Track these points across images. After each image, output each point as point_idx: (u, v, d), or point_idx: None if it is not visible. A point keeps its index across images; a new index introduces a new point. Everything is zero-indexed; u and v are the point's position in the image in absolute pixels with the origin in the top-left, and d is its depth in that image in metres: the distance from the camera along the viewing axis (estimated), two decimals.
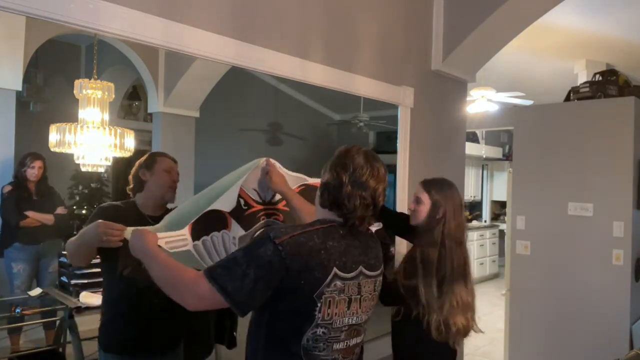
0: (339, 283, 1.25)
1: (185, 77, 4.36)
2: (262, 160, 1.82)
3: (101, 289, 3.00)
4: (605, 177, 3.46)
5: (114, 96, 3.68)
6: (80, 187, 4.91)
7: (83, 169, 3.84)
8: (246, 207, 1.73)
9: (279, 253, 1.18)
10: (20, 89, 4.00)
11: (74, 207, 4.87)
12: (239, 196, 1.72)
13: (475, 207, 9.52)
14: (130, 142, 3.57)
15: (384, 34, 2.47)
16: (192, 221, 1.57)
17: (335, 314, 1.26)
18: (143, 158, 1.93)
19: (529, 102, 5.18)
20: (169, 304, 1.29)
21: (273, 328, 1.27)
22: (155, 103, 4.80)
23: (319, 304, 1.22)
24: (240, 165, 1.82)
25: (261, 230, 1.45)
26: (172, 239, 1.55)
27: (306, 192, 1.91)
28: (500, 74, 5.27)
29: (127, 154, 3.64)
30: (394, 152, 2.62)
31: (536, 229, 3.75)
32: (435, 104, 2.81)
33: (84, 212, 4.87)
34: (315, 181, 1.94)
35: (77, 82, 3.54)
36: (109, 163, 3.78)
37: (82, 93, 3.50)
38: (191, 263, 1.47)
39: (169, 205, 1.87)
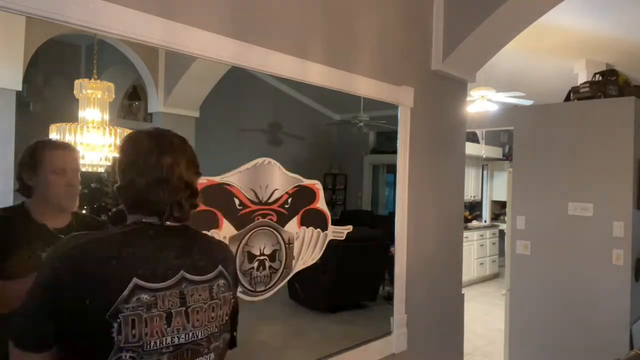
0: (145, 296, 1.01)
1: (185, 77, 4.36)
2: (262, 160, 1.82)
3: None
4: (605, 177, 3.46)
5: (114, 96, 3.68)
6: (80, 187, 4.91)
7: (83, 169, 3.83)
8: (241, 207, 1.73)
9: (55, 272, 0.99)
10: (20, 89, 4.00)
11: None
12: (234, 195, 1.72)
13: (475, 207, 9.52)
14: None
15: (384, 34, 2.47)
16: None
17: (146, 333, 1.00)
18: (26, 150, 1.52)
19: (529, 102, 5.18)
20: None
21: None
22: (155, 103, 4.79)
23: (115, 324, 0.97)
24: (240, 165, 1.82)
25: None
26: None
27: (300, 192, 1.92)
28: (500, 74, 5.27)
29: None
30: (394, 152, 2.62)
31: (536, 229, 3.75)
32: (435, 104, 2.81)
33: (83, 212, 4.86)
34: (310, 182, 1.95)
35: (77, 82, 3.53)
36: (109, 163, 3.79)
37: (82, 93, 3.50)
38: None
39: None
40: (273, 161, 1.85)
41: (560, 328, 3.57)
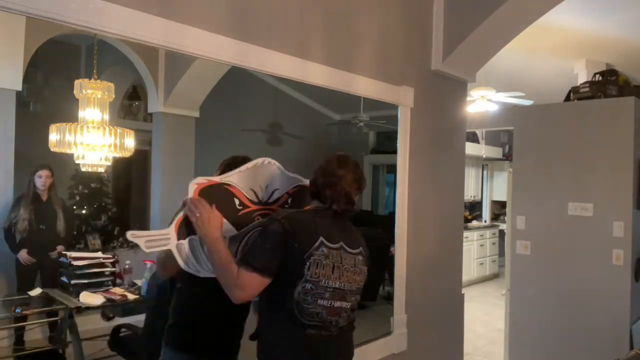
0: (324, 249, 1.55)
1: (185, 77, 4.36)
2: (262, 160, 1.82)
3: (103, 289, 3.02)
4: (605, 177, 3.46)
5: (114, 96, 3.68)
6: (80, 187, 4.90)
7: (83, 169, 3.84)
8: (241, 207, 1.73)
9: (282, 225, 1.52)
10: (20, 89, 4.00)
11: (74, 207, 4.87)
12: (234, 195, 1.72)
13: (475, 207, 9.52)
14: (130, 142, 3.56)
15: (384, 34, 2.47)
16: (179, 219, 1.57)
17: (322, 274, 1.54)
18: (240, 159, 1.82)
19: (529, 102, 5.18)
20: (233, 310, 1.64)
21: (273, 290, 1.52)
22: (155, 103, 4.79)
23: (308, 263, 1.51)
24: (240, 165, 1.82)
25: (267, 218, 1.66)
26: (152, 238, 1.55)
27: (301, 192, 1.91)
28: (500, 74, 5.27)
29: (127, 154, 3.64)
30: (394, 152, 2.62)
31: (536, 229, 3.75)
32: (435, 104, 2.82)
33: (84, 212, 4.86)
34: None
35: (77, 82, 3.53)
36: (109, 163, 3.78)
37: (82, 93, 3.50)
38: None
39: None
40: (273, 161, 1.85)
41: (560, 328, 3.57)
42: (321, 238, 1.56)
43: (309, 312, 1.55)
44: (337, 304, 1.60)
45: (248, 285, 1.49)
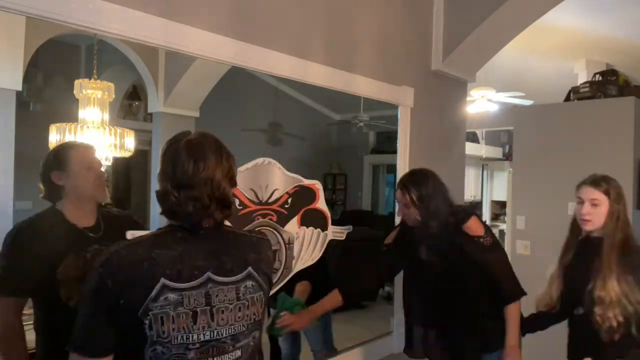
0: (172, 296, 1.09)
1: (185, 77, 4.35)
2: (262, 160, 1.82)
3: None
4: None
5: (114, 96, 3.68)
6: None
7: None
8: (240, 207, 1.73)
9: (99, 277, 1.09)
10: (20, 89, 3.99)
11: None
12: (234, 195, 1.72)
13: (475, 207, 9.52)
14: (130, 142, 3.56)
15: (384, 34, 2.47)
16: None
17: (173, 329, 1.09)
18: (49, 154, 1.60)
19: (529, 102, 5.18)
20: None
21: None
22: (155, 103, 4.79)
23: (146, 322, 1.07)
24: (240, 165, 1.82)
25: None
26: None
27: (300, 192, 1.91)
28: (500, 74, 5.27)
29: (127, 154, 3.64)
30: (394, 152, 2.62)
31: (536, 229, 3.75)
32: (435, 104, 2.81)
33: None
34: (310, 182, 1.95)
35: (77, 82, 3.53)
36: (109, 163, 3.78)
37: (82, 93, 3.50)
38: None
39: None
40: (273, 161, 1.85)
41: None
42: (162, 280, 1.09)
43: None
44: None
45: None
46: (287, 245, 1.90)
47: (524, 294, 2.06)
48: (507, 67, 5.15)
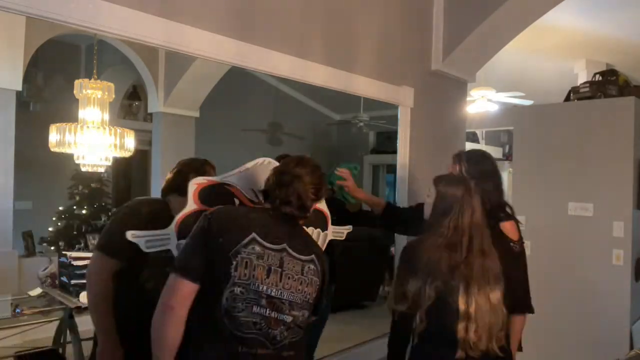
0: (257, 248, 1.35)
1: (185, 77, 4.36)
2: (262, 160, 1.82)
3: None
4: (605, 177, 3.45)
5: (114, 96, 3.68)
6: (80, 187, 4.90)
7: (83, 169, 3.84)
8: None
9: (207, 220, 1.37)
10: (20, 89, 4.00)
11: (74, 207, 4.87)
12: (234, 195, 1.72)
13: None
14: (130, 142, 3.56)
15: (384, 34, 2.47)
16: (179, 219, 1.57)
17: (253, 276, 1.33)
18: (194, 162, 1.82)
19: (529, 102, 5.18)
20: None
21: (199, 299, 1.32)
22: (155, 103, 4.80)
23: (234, 262, 1.31)
24: (240, 164, 1.82)
25: None
26: (152, 237, 1.55)
27: None
28: (500, 74, 5.27)
29: (127, 154, 3.64)
30: (394, 152, 2.62)
31: (536, 229, 3.74)
32: (435, 104, 2.81)
33: (84, 212, 4.86)
34: None
35: (77, 82, 3.53)
36: (109, 163, 3.78)
37: (82, 93, 3.50)
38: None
39: None
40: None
41: (560, 328, 3.56)
42: (253, 234, 1.35)
43: (242, 321, 1.32)
44: (274, 315, 1.36)
45: (176, 293, 1.30)
46: None
47: (532, 311, 2.04)
48: (507, 67, 5.15)
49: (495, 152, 9.27)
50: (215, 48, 1.71)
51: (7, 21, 3.67)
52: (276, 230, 1.41)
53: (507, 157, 9.11)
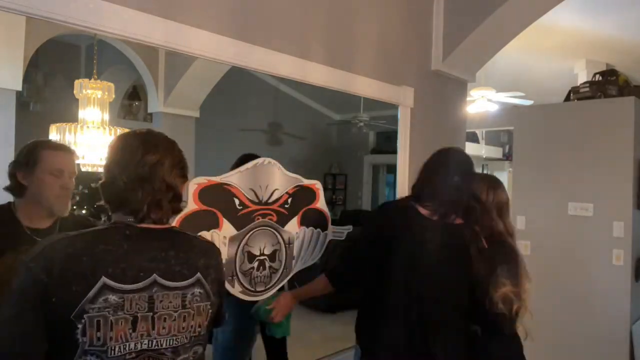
0: (112, 297, 0.98)
1: (185, 77, 4.36)
2: (262, 160, 1.82)
3: None
4: (605, 177, 3.46)
5: (114, 96, 3.69)
6: (80, 187, 4.89)
7: (83, 169, 3.84)
8: (241, 207, 1.73)
9: (29, 272, 0.96)
10: (20, 89, 4.00)
11: (74, 207, 4.87)
12: (234, 195, 1.72)
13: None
14: None
15: (384, 34, 2.47)
16: (179, 219, 1.58)
17: (111, 338, 0.98)
18: (20, 153, 1.46)
19: (529, 102, 5.18)
20: None
21: None
22: (155, 103, 4.80)
23: (79, 325, 0.95)
24: (240, 164, 1.82)
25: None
26: None
27: (300, 192, 1.92)
28: (500, 74, 5.27)
29: None
30: (394, 152, 2.62)
31: (536, 229, 3.75)
32: (435, 104, 2.81)
33: (83, 212, 4.86)
34: (310, 182, 1.95)
35: (77, 82, 3.54)
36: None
37: (82, 93, 3.51)
38: None
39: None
40: (273, 161, 1.85)
41: (560, 328, 3.57)
42: (103, 279, 0.97)
43: None
44: None
45: None
46: (287, 245, 1.90)
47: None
48: (507, 67, 5.15)
49: (495, 152, 9.28)
50: (215, 48, 1.71)
51: (7, 21, 3.67)
52: (139, 260, 1.03)
53: (507, 157, 9.12)
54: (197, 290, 1.10)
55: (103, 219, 5.20)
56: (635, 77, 4.71)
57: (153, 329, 1.03)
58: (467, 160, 1.78)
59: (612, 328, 3.38)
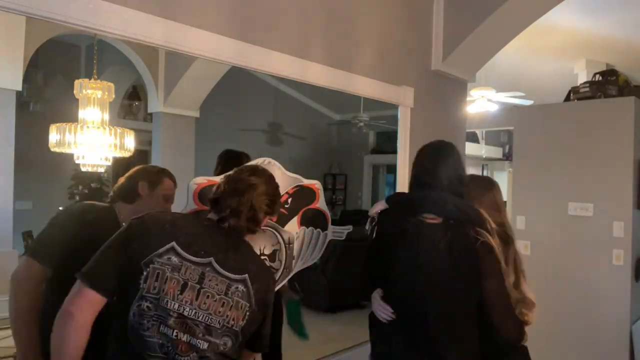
0: (174, 259, 1.20)
1: (185, 77, 4.36)
2: (262, 160, 1.82)
3: None
4: (605, 177, 3.45)
5: (114, 96, 3.68)
6: (80, 187, 4.90)
7: (83, 169, 3.84)
8: None
9: (129, 224, 1.25)
10: (20, 89, 4.00)
11: None
12: None
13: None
14: (130, 142, 3.56)
15: (384, 34, 2.47)
16: None
17: (163, 290, 1.17)
18: (149, 170, 1.73)
19: (529, 102, 5.18)
20: None
21: (112, 308, 1.20)
22: (155, 103, 4.79)
23: (144, 272, 1.17)
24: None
25: None
26: None
27: (300, 192, 1.91)
28: (500, 74, 5.27)
29: (127, 154, 3.64)
30: (394, 152, 2.62)
31: (536, 229, 3.74)
32: (435, 104, 2.81)
33: None
34: (310, 182, 1.95)
35: (77, 82, 3.53)
36: (109, 163, 3.78)
37: (82, 93, 3.50)
38: None
39: None
40: (273, 161, 1.85)
41: (560, 328, 3.57)
42: (173, 243, 1.20)
43: (147, 342, 1.16)
44: (185, 338, 1.18)
45: (77, 299, 1.16)
46: (287, 245, 1.90)
47: None
48: (507, 67, 5.15)
49: (495, 152, 9.29)
50: (215, 48, 1.71)
51: (7, 21, 3.67)
52: (205, 242, 1.25)
53: (507, 157, 9.12)
54: (241, 287, 1.26)
55: None
56: (635, 77, 4.71)
57: (196, 299, 1.20)
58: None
59: (612, 328, 3.37)
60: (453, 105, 3.00)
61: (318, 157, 6.88)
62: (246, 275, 1.27)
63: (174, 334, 1.17)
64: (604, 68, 4.52)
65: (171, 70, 4.57)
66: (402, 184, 2.59)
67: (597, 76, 3.84)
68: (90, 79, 3.53)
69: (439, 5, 2.75)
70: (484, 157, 8.92)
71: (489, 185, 1.91)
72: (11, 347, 2.88)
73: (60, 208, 1.70)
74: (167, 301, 1.17)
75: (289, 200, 1.88)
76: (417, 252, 1.52)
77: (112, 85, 3.62)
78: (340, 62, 2.19)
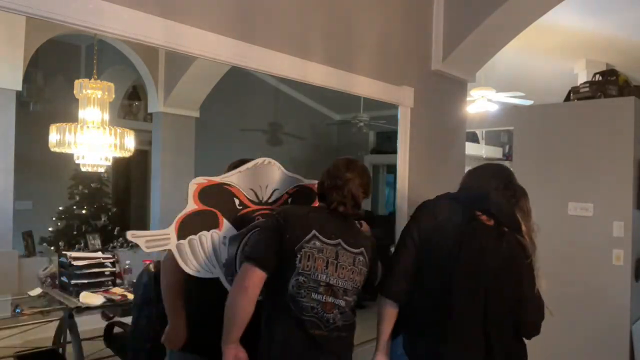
0: (317, 243, 1.59)
1: (185, 77, 4.37)
2: (262, 160, 1.82)
3: (103, 289, 3.02)
4: (605, 177, 3.45)
5: (114, 96, 3.68)
6: (80, 187, 4.90)
7: (83, 169, 3.84)
8: (241, 207, 1.74)
9: (276, 219, 1.61)
10: (20, 89, 4.01)
11: (74, 207, 4.87)
12: (234, 195, 1.72)
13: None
14: (130, 142, 3.57)
15: (384, 34, 2.47)
16: (179, 219, 1.58)
17: (314, 267, 1.57)
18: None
19: (529, 102, 5.18)
20: None
21: (271, 285, 1.56)
22: (155, 103, 4.80)
23: (299, 255, 1.56)
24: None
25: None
26: (152, 237, 1.55)
27: (300, 192, 1.92)
28: (500, 74, 5.27)
29: (127, 154, 3.64)
30: (394, 152, 2.62)
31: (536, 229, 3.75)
32: (435, 104, 2.81)
33: (83, 212, 4.86)
34: (310, 182, 1.95)
35: (77, 82, 3.53)
36: (109, 163, 3.78)
37: (82, 93, 3.50)
38: None
39: None
40: (273, 161, 1.85)
41: (559, 328, 3.56)
42: (314, 231, 1.59)
43: (303, 305, 1.57)
44: (330, 299, 1.60)
45: (250, 277, 1.52)
46: None
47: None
48: (507, 67, 5.15)
49: (495, 152, 9.28)
50: (215, 48, 1.71)
51: (7, 21, 3.67)
52: (332, 227, 1.63)
53: (507, 157, 9.10)
54: (361, 258, 1.68)
55: (103, 218, 5.18)
56: (635, 77, 4.71)
57: (335, 271, 1.61)
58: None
59: (612, 328, 3.37)
60: (453, 105, 3.00)
61: (318, 157, 6.87)
62: (362, 249, 1.68)
63: (323, 298, 1.58)
64: (604, 68, 4.52)
65: (171, 70, 4.58)
66: (402, 184, 2.59)
67: (597, 76, 3.84)
68: (90, 79, 3.53)
69: (439, 5, 2.75)
70: (484, 157, 8.92)
71: (524, 192, 2.11)
72: (11, 347, 2.88)
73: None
74: (318, 274, 1.58)
75: (289, 200, 1.88)
76: (482, 251, 1.69)
77: (112, 85, 3.62)
78: (340, 62, 2.19)
